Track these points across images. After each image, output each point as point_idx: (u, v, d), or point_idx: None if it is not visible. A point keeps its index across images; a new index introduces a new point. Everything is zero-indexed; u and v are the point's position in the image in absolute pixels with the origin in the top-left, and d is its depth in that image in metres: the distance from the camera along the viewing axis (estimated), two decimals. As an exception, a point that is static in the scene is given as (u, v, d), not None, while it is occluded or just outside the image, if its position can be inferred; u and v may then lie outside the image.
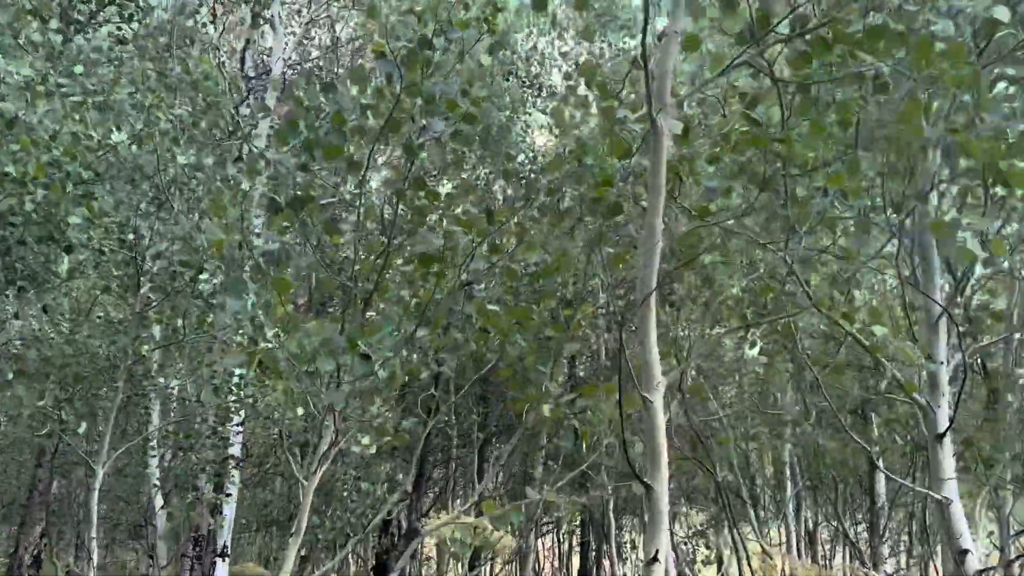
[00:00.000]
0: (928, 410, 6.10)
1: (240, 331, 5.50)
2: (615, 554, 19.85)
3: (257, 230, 6.50)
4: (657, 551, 4.06)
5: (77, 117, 9.07)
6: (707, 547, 18.68)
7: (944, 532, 6.17)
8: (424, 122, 4.85)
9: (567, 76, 5.41)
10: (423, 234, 5.25)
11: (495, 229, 5.73)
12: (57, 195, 7.80)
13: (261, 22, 17.89)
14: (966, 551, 5.85)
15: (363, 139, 4.97)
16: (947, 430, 6.00)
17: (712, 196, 5.13)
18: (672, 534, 16.80)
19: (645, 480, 4.15)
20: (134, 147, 9.53)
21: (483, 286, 6.41)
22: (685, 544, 18.52)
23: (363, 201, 5.14)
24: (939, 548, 19.50)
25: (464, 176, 5.89)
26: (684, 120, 4.94)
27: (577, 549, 26.15)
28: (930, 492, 6.10)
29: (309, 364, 4.57)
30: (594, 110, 5.75)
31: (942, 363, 6.07)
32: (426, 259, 5.47)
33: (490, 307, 6.03)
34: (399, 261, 6.34)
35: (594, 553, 22.93)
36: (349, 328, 4.98)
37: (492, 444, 20.14)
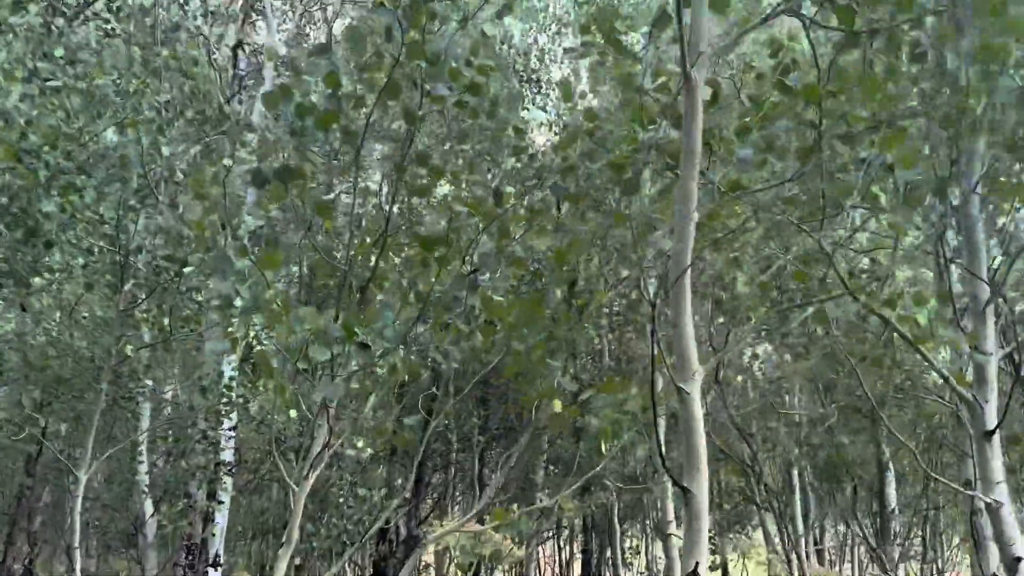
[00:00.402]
0: (976, 406, 5.62)
1: (229, 327, 5.01)
2: (620, 561, 19.35)
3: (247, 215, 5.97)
4: (697, 564, 3.57)
5: (56, 103, 8.61)
6: (713, 552, 18.18)
7: (995, 538, 5.68)
8: (428, 87, 4.37)
9: (584, 29, 4.89)
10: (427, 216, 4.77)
11: (503, 211, 5.25)
12: (29, 182, 7.31)
13: (254, 15, 17.41)
14: (1020, 559, 5.36)
15: (359, 107, 4.49)
16: (997, 427, 5.53)
17: (745, 168, 4.65)
18: (677, 537, 16.30)
19: (682, 483, 3.66)
20: (115, 137, 9.08)
21: (487, 276, 5.91)
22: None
23: (359, 176, 4.64)
24: (949, 553, 19.08)
25: (466, 149, 5.36)
26: (714, 84, 4.47)
27: (578, 556, 25.67)
28: (978, 494, 5.62)
29: (301, 355, 4.09)
30: (609, 74, 5.26)
31: (990, 355, 5.60)
32: (428, 242, 4.97)
33: (496, 298, 5.54)
34: (399, 256, 5.86)
35: (596, 560, 22.46)
36: (344, 316, 4.50)
37: (492, 448, 19.64)
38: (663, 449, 3.83)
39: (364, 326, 4.35)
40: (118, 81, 8.66)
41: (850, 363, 6.18)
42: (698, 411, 3.78)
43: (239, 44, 17.12)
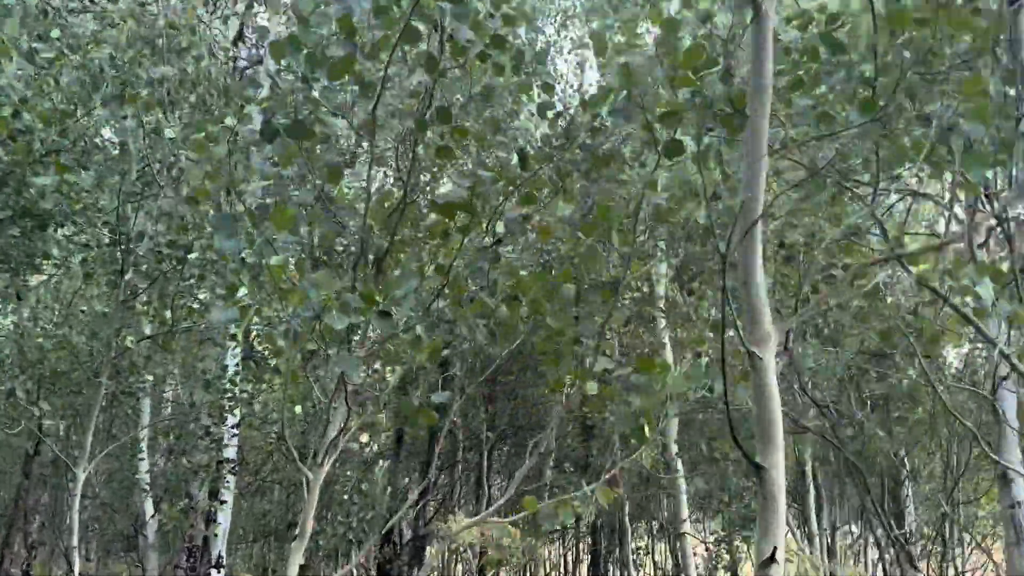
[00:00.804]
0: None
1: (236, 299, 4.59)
2: (630, 562, 18.97)
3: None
4: (775, 549, 3.17)
5: (52, 82, 8.24)
6: (728, 553, 17.80)
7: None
8: (450, 30, 3.99)
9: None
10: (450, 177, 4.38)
11: (530, 175, 4.86)
12: (21, 153, 6.94)
13: (256, 5, 17.02)
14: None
15: (374, 56, 4.10)
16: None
17: (800, 122, 4.26)
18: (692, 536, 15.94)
19: (755, 460, 3.26)
20: (111, 124, 8.72)
21: (510, 248, 5.52)
22: (717, 544, 17.66)
23: (375, 136, 4.26)
24: (970, 551, 18.66)
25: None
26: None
27: (585, 558, 25.29)
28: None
29: (313, 330, 3.69)
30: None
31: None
32: (449, 208, 4.58)
33: (522, 272, 5.17)
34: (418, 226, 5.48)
35: (604, 560, 22.08)
36: (362, 286, 4.11)
37: (499, 447, 19.28)
38: (734, 430, 3.42)
39: (384, 295, 3.96)
40: (115, 55, 8.28)
41: (907, 340, 5.78)
42: (772, 379, 3.39)
43: (240, 35, 16.74)
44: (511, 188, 4.89)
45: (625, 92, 4.69)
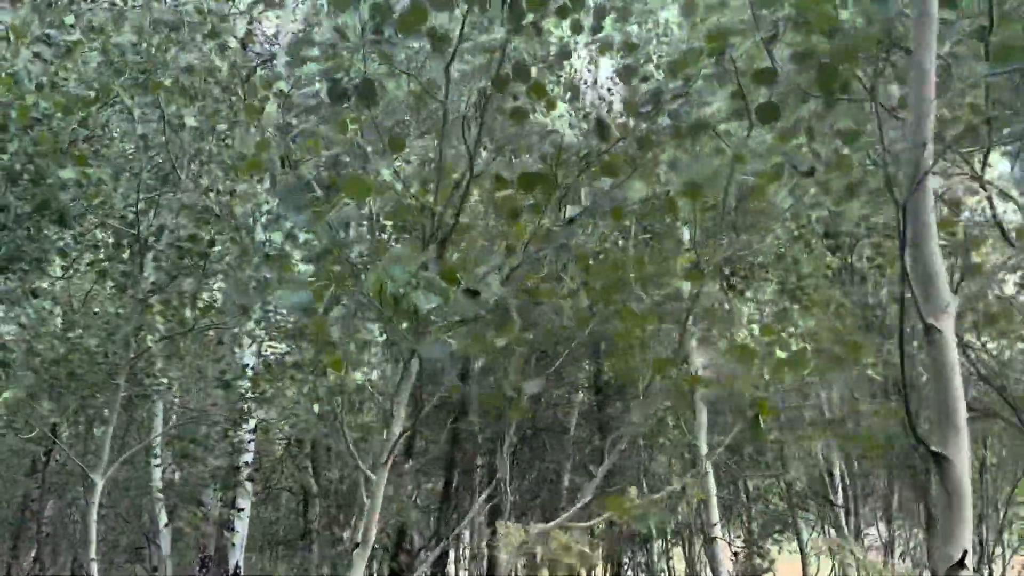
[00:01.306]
0: None
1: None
2: (656, 567, 18.57)
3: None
4: (965, 552, 2.73)
5: (70, 66, 7.83)
6: (760, 556, 17.40)
7: None
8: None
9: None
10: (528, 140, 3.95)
11: (610, 146, 4.44)
12: (45, 143, 6.52)
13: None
14: None
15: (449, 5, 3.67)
16: None
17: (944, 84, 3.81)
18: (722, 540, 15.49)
19: (934, 448, 2.81)
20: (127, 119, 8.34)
21: (579, 232, 5.09)
22: (747, 546, 17.26)
23: (448, 94, 3.83)
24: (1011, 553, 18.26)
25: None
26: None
27: (599, 562, 24.82)
28: None
29: (398, 305, 3.24)
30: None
31: None
32: (527, 180, 4.15)
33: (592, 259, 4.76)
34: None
35: (626, 565, 21.67)
36: (438, 264, 3.68)
37: (521, 450, 18.84)
38: (911, 409, 3.00)
39: (466, 272, 3.53)
40: (136, 42, 7.87)
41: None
42: (953, 355, 2.95)
43: (249, 33, 16.36)
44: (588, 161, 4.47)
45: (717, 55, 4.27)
